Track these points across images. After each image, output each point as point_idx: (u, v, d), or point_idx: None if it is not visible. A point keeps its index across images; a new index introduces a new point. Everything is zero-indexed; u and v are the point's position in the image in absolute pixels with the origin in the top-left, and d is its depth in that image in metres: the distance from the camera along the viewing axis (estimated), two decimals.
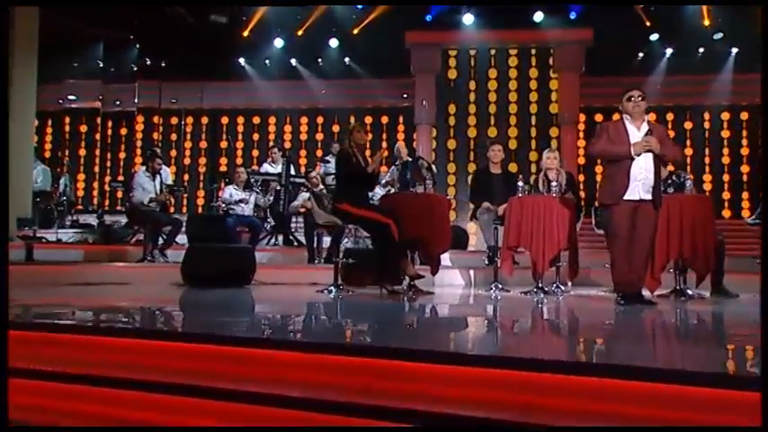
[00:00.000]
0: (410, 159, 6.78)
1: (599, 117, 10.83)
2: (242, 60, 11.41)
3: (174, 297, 4.68)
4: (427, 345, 2.28)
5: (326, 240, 6.78)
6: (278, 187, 7.48)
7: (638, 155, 3.72)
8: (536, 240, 4.70)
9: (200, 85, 11.45)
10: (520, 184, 5.07)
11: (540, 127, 10.45)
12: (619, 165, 3.74)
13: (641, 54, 10.31)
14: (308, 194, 7.28)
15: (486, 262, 5.35)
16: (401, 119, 11.40)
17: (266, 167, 8.28)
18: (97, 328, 2.44)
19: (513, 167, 10.12)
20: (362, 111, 11.30)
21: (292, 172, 8.04)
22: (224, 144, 12.01)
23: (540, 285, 4.95)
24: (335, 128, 11.68)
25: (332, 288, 4.84)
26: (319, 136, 11.80)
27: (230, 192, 7.13)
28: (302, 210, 7.14)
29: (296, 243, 7.75)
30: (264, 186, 7.50)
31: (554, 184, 4.99)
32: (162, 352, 2.16)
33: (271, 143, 10.27)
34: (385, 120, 11.46)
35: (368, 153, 5.04)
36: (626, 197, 3.72)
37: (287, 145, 11.30)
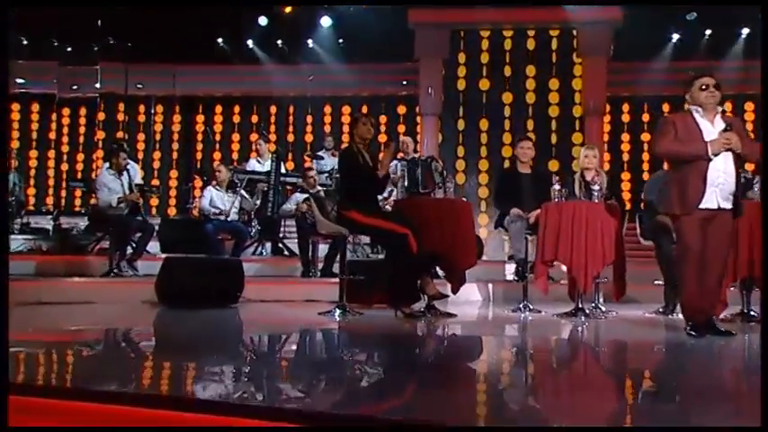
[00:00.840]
0: (417, 157, 6.57)
1: (626, 107, 10.70)
2: (221, 41, 11.11)
3: (145, 321, 4.45)
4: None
5: (322, 248, 6.74)
6: (266, 188, 7.18)
7: (716, 154, 3.45)
8: (577, 254, 4.48)
9: (172, 69, 11.14)
10: (556, 187, 4.83)
11: (561, 119, 10.26)
12: (692, 167, 3.47)
13: (676, 36, 10.11)
14: (302, 196, 7.05)
15: (515, 277, 5.11)
16: (403, 109, 11.24)
17: (252, 164, 8.10)
18: (30, 387, 1.97)
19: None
20: (358, 99, 11.10)
21: (282, 170, 7.88)
22: (201, 137, 11.74)
23: (579, 306, 4.71)
24: (327, 119, 11.50)
25: (337, 310, 4.58)
26: (309, 127, 11.60)
27: (210, 196, 6.90)
28: (297, 213, 6.90)
29: (286, 252, 7.61)
30: (250, 187, 7.26)
31: (595, 187, 4.75)
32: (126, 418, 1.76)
33: (255, 135, 10.05)
34: (384, 109, 11.28)
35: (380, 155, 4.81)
36: (701, 206, 3.47)
37: (272, 137, 11.02)
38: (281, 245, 7.67)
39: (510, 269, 5.63)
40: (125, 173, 6.59)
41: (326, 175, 8.58)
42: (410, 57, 10.41)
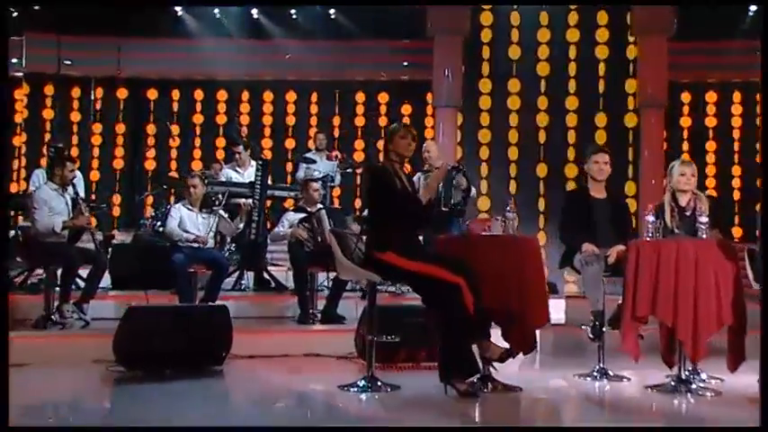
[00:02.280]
0: (451, 166, 6.33)
1: (686, 97, 10.48)
2: (179, 10, 10.77)
3: (97, 398, 4.19)
4: None
5: (321, 276, 6.74)
6: (251, 206, 6.84)
7: None
8: (684, 310, 4.20)
9: (116, 43, 10.78)
10: (650, 218, 4.52)
11: (611, 112, 9.98)
12: None
13: (752, 10, 9.92)
14: (296, 216, 6.79)
15: (590, 335, 4.80)
16: (410, 98, 11.08)
17: (228, 174, 7.85)
18: None
19: (567, 174, 9.77)
20: (353, 85, 11.02)
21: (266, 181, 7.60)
22: (153, 130, 11.41)
23: (682, 377, 4.39)
24: (314, 108, 11.29)
25: (363, 384, 4.24)
26: (290, 119, 11.34)
27: (180, 216, 6.55)
28: (291, 239, 6.66)
29: (273, 284, 7.42)
30: (228, 204, 6.98)
31: (703, 219, 4.45)
32: None
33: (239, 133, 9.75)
34: (384, 98, 11.11)
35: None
36: None
37: (244, 131, 10.73)
38: (266, 275, 7.43)
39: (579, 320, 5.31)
40: (70, 187, 6.17)
41: (320, 183, 8.32)
42: (421, 34, 10.24)
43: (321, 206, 6.94)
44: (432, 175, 4.42)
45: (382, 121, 10.95)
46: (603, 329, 4.81)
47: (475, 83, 10.17)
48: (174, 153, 11.06)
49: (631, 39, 10.03)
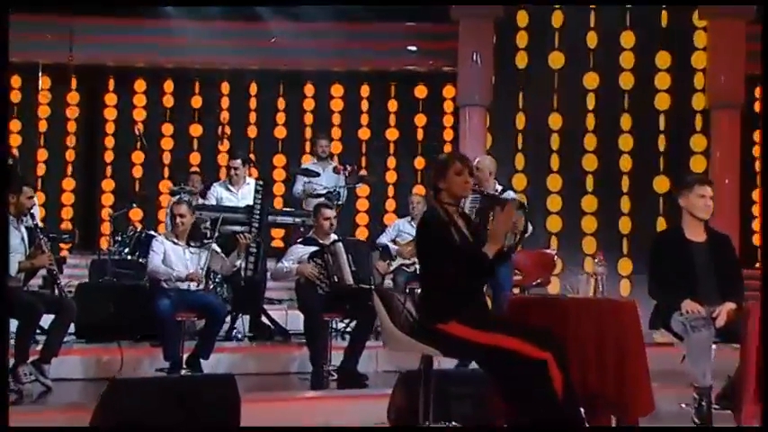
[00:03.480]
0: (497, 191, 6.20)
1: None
2: None
3: None
4: None
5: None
6: (252, 238, 6.66)
7: None
8: None
9: (68, 24, 10.53)
10: None
11: (673, 113, 9.80)
12: None
13: None
14: (305, 249, 6.58)
15: (695, 419, 4.65)
16: (423, 91, 10.95)
17: (218, 193, 7.62)
18: None
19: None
20: (357, 76, 10.94)
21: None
22: (111, 128, 11.27)
23: None
24: (309, 103, 11.16)
25: None
26: (281, 117, 11.19)
27: (163, 249, 6.40)
28: (300, 278, 6.52)
29: (270, 325, 7.34)
30: (225, 238, 6.73)
31: None
32: None
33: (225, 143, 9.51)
34: (393, 91, 11.07)
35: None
36: None
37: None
38: (265, 318, 7.30)
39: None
40: (26, 218, 5.92)
41: (323, 200, 8.17)
42: (443, 17, 10.15)
43: (336, 237, 6.75)
44: (496, 217, 4.15)
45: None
46: (712, 408, 4.63)
47: (508, 76, 10.05)
48: (138, 160, 10.91)
49: (699, 24, 9.79)
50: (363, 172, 9.06)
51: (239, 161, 7.52)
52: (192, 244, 6.44)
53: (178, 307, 6.18)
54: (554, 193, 9.92)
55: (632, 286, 9.25)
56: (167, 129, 11.13)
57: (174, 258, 6.35)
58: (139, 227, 8.67)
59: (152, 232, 8.45)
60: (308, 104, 11.10)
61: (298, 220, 7.29)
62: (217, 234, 6.56)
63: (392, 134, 10.98)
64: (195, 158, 10.94)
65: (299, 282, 6.53)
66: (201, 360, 6.15)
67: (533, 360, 3.87)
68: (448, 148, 10.72)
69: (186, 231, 6.42)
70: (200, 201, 8.94)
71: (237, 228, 6.89)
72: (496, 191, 6.71)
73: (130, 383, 4.91)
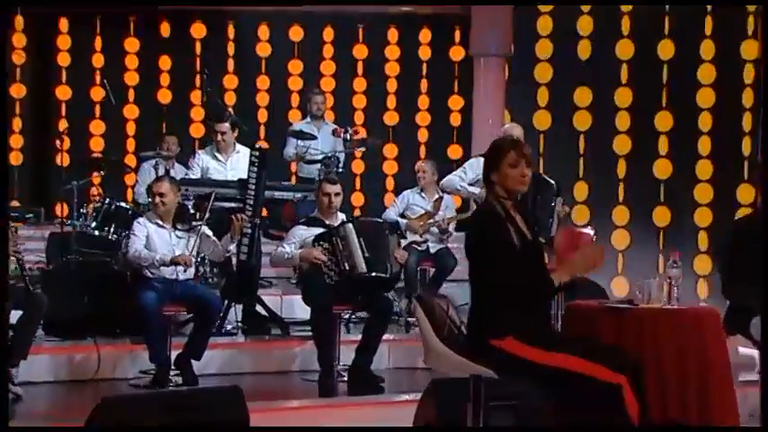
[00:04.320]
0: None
1: None
2: None
3: None
4: None
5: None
6: (248, 219, 6.52)
7: None
8: None
9: None
10: None
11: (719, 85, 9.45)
12: None
13: None
14: (309, 231, 6.45)
15: None
16: (427, 36, 10.76)
17: (204, 162, 7.44)
18: None
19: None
20: (351, 19, 10.71)
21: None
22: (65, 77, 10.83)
23: None
24: (297, 50, 10.75)
25: None
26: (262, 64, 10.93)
27: (146, 233, 6.28)
28: (303, 265, 6.42)
29: (266, 313, 7.30)
30: (218, 215, 6.59)
31: None
32: None
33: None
34: (394, 37, 10.79)
35: None
36: None
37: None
38: (261, 306, 7.23)
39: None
40: None
41: (319, 166, 8.21)
42: None
43: (342, 216, 6.64)
44: (584, 252, 4.04)
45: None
46: None
47: (528, 27, 9.79)
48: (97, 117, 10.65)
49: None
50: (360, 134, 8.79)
51: (227, 124, 7.31)
52: (180, 227, 6.31)
53: (165, 299, 6.12)
54: (581, 155, 9.74)
55: (710, 288, 9.00)
56: (131, 78, 10.80)
57: (159, 242, 6.23)
58: (99, 197, 8.35)
59: (123, 204, 8.27)
60: (297, 50, 10.83)
61: (299, 195, 7.14)
62: (208, 215, 6.38)
63: (392, 85, 10.78)
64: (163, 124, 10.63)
65: (302, 269, 6.43)
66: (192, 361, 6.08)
67: (606, 385, 3.79)
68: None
69: (171, 212, 6.28)
70: (176, 166, 8.88)
71: (228, 206, 6.75)
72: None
73: (121, 400, 4.75)
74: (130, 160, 10.12)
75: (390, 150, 10.59)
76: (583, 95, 9.68)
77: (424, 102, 10.78)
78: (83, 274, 6.95)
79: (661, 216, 9.47)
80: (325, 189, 6.51)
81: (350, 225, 6.38)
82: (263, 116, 10.76)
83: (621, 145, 9.53)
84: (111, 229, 7.74)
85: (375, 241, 6.33)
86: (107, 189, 8.72)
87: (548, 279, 4.01)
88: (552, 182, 6.76)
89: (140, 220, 6.34)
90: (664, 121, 9.45)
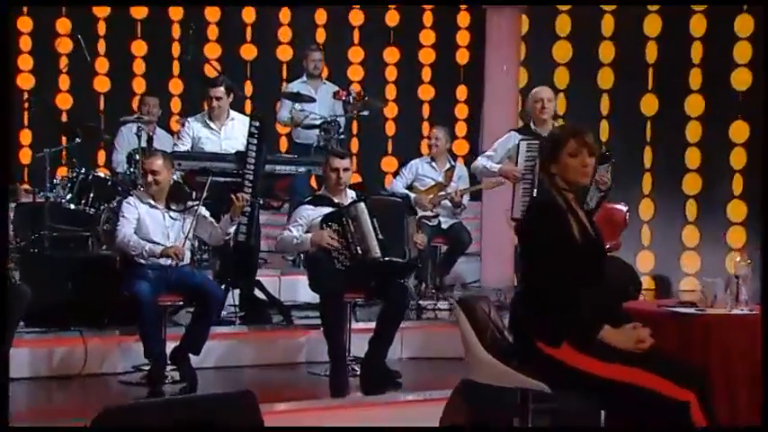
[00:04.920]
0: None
1: None
2: None
3: None
4: None
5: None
6: (248, 197, 6.41)
7: None
8: None
9: None
10: None
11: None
12: None
13: None
14: (316, 211, 6.34)
15: None
16: None
17: (195, 130, 7.34)
18: None
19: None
20: None
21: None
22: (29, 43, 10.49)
23: None
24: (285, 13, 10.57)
25: None
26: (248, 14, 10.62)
27: (137, 215, 6.16)
28: (311, 250, 6.30)
29: (267, 298, 7.23)
30: (215, 193, 6.43)
31: None
32: None
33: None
34: None
35: None
36: None
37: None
38: (260, 289, 7.14)
39: None
40: None
41: (319, 132, 8.18)
42: None
43: (352, 194, 6.52)
44: (623, 335, 3.92)
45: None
46: None
47: None
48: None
49: None
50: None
51: (222, 88, 7.18)
52: (174, 207, 6.19)
53: (159, 289, 6.02)
54: (604, 117, 9.56)
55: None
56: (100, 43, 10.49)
57: (152, 225, 6.12)
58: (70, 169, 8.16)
59: (100, 173, 8.13)
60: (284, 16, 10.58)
61: (302, 169, 7.02)
62: (205, 194, 6.24)
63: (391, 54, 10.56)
64: (139, 85, 10.34)
65: (308, 254, 6.33)
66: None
67: (672, 402, 3.74)
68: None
69: (164, 191, 6.16)
70: (158, 131, 8.71)
71: (223, 180, 6.60)
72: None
73: (123, 411, 4.68)
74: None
75: (390, 110, 10.37)
76: (607, 50, 9.57)
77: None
78: (62, 254, 6.92)
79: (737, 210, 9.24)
80: (333, 164, 6.36)
81: (362, 204, 6.26)
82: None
83: (648, 106, 9.42)
84: (89, 202, 7.76)
85: (391, 222, 6.23)
86: (78, 157, 8.54)
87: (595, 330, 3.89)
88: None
89: (130, 199, 6.20)
90: (695, 79, 9.32)
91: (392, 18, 10.45)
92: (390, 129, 10.43)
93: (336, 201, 6.37)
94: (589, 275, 3.96)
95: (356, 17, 10.40)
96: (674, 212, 9.27)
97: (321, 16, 10.40)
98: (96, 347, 6.20)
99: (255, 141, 6.61)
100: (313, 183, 8.57)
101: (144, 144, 7.84)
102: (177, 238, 6.14)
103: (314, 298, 7.29)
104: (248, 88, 10.22)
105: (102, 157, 9.72)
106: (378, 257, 6.12)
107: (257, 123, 6.64)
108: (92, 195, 7.69)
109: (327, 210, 6.28)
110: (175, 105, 10.15)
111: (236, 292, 7.04)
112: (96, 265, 6.74)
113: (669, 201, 9.27)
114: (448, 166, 8.22)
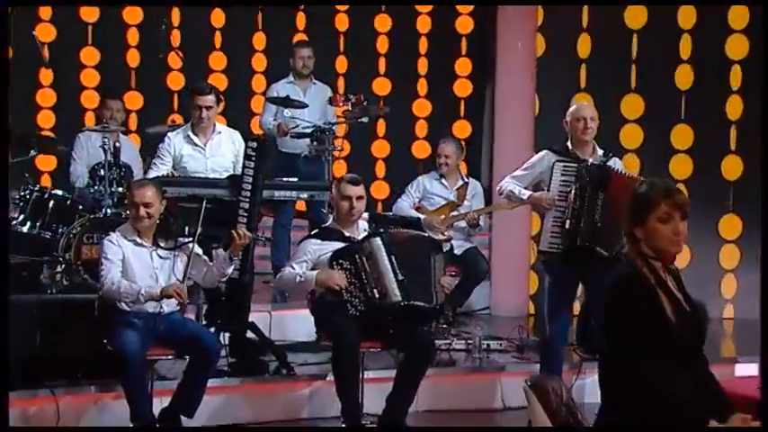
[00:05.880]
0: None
1: None
2: None
3: None
4: None
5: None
6: (247, 232, 6.28)
7: None
8: None
9: None
10: None
11: None
12: None
13: None
14: (327, 246, 6.25)
15: None
16: None
17: (178, 146, 7.25)
18: None
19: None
20: None
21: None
22: None
23: None
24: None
25: None
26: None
27: (122, 255, 6.04)
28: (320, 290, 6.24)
29: (253, 336, 7.19)
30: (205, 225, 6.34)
31: None
32: None
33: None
34: None
35: None
36: None
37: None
38: (252, 331, 7.10)
39: None
40: None
41: (311, 142, 8.21)
42: None
43: (367, 227, 6.46)
44: None
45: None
46: None
47: None
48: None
49: None
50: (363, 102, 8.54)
51: (212, 97, 7.07)
52: (163, 244, 6.07)
53: (148, 340, 5.92)
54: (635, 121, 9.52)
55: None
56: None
57: (138, 267, 6.00)
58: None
59: (57, 191, 7.95)
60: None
61: (304, 195, 6.94)
62: (199, 230, 6.12)
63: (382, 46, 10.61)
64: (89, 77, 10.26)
65: (315, 296, 6.24)
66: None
67: None
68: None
69: (154, 226, 6.05)
70: (122, 139, 8.54)
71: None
72: (601, 157, 6.55)
73: None
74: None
75: (379, 127, 10.43)
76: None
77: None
78: (35, 304, 6.67)
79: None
80: (345, 191, 6.23)
81: (377, 239, 6.18)
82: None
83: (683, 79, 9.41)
84: (45, 225, 7.61)
85: (413, 260, 6.17)
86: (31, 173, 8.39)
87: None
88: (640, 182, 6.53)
89: (113, 237, 6.05)
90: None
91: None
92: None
93: (347, 234, 6.27)
94: (687, 358, 3.89)
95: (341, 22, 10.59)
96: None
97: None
98: (68, 406, 6.12)
99: (253, 165, 6.52)
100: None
101: (111, 158, 7.71)
102: (168, 281, 6.02)
103: (308, 335, 7.29)
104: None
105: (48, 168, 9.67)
106: (398, 302, 6.03)
107: (255, 144, 6.56)
108: (48, 217, 7.57)
109: (337, 245, 6.18)
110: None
111: (226, 335, 6.95)
112: (69, 310, 6.59)
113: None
114: (460, 183, 8.17)
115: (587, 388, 6.78)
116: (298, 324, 7.44)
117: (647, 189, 4.01)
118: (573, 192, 6.33)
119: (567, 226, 6.34)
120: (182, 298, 5.91)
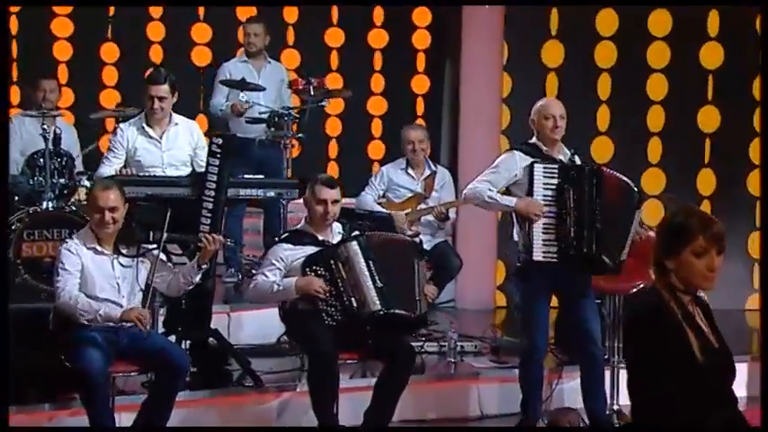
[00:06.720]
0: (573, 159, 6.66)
1: None
2: None
3: None
4: None
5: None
6: (218, 237, 6.35)
7: None
8: None
9: None
10: None
11: None
12: None
13: None
14: (299, 251, 6.36)
15: None
16: None
17: (132, 139, 7.27)
18: None
19: None
20: None
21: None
22: None
23: None
24: None
25: None
26: None
27: (80, 264, 6.04)
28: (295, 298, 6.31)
29: (213, 341, 7.26)
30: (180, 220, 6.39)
31: None
32: None
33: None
34: None
35: None
36: None
37: None
38: (215, 339, 7.20)
39: None
40: None
41: (268, 128, 8.40)
42: None
43: (341, 229, 6.56)
44: None
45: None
46: None
47: None
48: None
49: None
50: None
51: (166, 86, 7.09)
52: (125, 251, 6.07)
53: (110, 356, 5.92)
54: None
55: None
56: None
57: (98, 276, 6.00)
58: None
59: None
60: None
61: (272, 193, 7.02)
62: (165, 236, 6.13)
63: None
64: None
65: (290, 306, 6.31)
66: None
67: None
68: None
69: (114, 234, 6.04)
70: (58, 122, 8.54)
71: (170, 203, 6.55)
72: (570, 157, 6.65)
73: None
74: None
75: (335, 106, 10.53)
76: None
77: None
78: None
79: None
80: (320, 194, 6.30)
81: (354, 244, 6.29)
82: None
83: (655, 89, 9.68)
84: None
85: (392, 265, 6.29)
86: None
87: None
88: (633, 186, 6.59)
89: (71, 245, 6.03)
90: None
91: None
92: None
93: (321, 238, 6.35)
94: (715, 397, 3.93)
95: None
96: None
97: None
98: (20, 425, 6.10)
99: (218, 162, 6.61)
100: None
101: (51, 146, 7.73)
102: (131, 291, 6.06)
103: (265, 337, 7.41)
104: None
105: None
106: (377, 310, 6.13)
107: (220, 141, 6.64)
108: None
109: (310, 249, 6.27)
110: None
111: (187, 342, 7.02)
112: (20, 322, 6.61)
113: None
114: (428, 172, 8.24)
115: (566, 393, 6.69)
116: (256, 325, 7.62)
117: (683, 219, 3.98)
118: (569, 196, 6.34)
119: (571, 234, 6.32)
120: (143, 325, 5.88)
